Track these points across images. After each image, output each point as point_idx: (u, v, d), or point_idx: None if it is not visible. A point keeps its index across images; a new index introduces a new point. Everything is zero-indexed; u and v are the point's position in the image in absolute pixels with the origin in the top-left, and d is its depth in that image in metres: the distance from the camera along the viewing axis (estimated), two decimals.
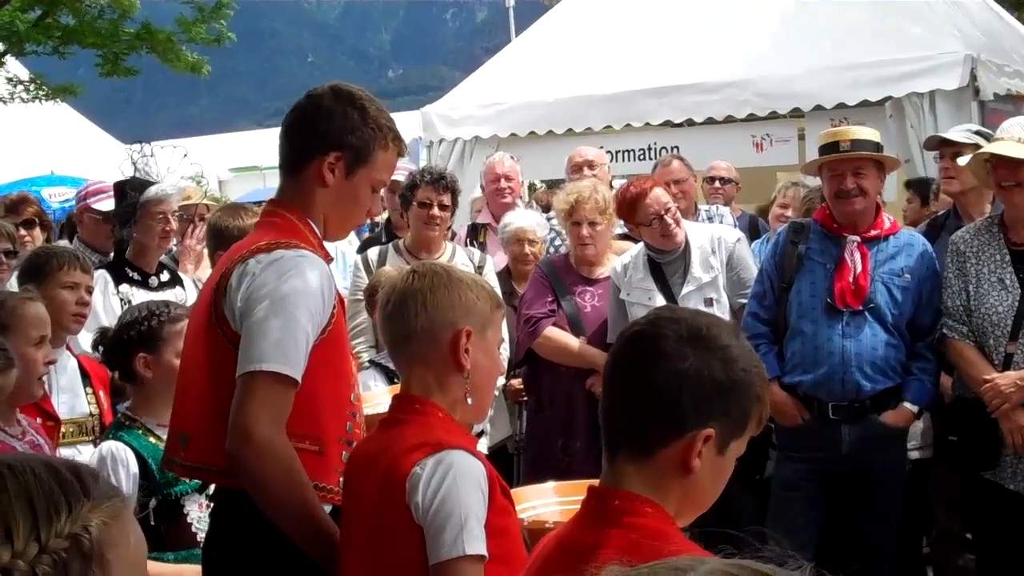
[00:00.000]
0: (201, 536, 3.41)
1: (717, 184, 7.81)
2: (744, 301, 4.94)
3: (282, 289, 2.61)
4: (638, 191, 5.07)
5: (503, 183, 6.82)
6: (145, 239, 5.02)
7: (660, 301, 4.95)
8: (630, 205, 5.08)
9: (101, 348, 3.75)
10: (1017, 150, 4.25)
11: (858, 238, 4.57)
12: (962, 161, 4.75)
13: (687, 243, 5.06)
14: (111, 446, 3.37)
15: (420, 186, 5.39)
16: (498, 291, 4.81)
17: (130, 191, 5.00)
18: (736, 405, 1.82)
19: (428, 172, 5.54)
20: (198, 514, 3.47)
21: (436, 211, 5.36)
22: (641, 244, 5.21)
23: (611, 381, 1.90)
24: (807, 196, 6.05)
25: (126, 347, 3.58)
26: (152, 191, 4.98)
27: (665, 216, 4.99)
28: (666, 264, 5.08)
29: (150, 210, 4.97)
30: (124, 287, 4.91)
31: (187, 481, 3.42)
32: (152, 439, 3.48)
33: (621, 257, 5.28)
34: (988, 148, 4.42)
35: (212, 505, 3.54)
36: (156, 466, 3.29)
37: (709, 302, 4.95)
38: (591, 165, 6.63)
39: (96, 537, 1.16)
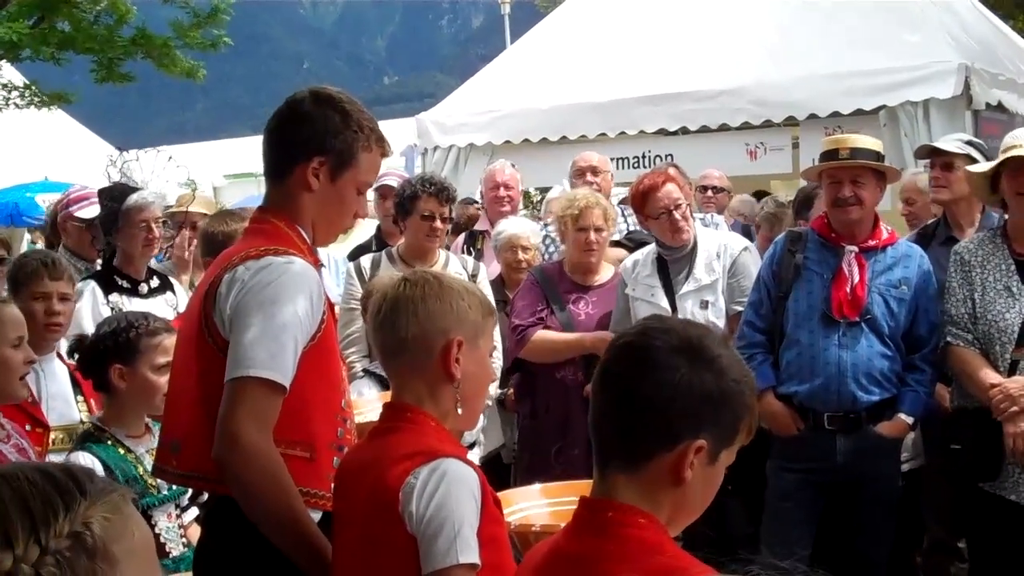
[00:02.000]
0: (170, 547, 3.42)
1: (709, 193, 7.83)
2: (740, 308, 4.95)
3: (271, 296, 2.60)
4: (651, 184, 5.14)
5: (502, 191, 6.82)
6: (129, 247, 4.97)
7: (662, 298, 5.04)
8: (642, 196, 5.15)
9: (76, 355, 3.74)
10: None
11: (856, 248, 4.56)
12: (976, 168, 4.71)
13: (695, 245, 5.11)
14: (79, 457, 3.37)
15: (422, 197, 5.29)
16: (491, 299, 4.84)
17: (108, 200, 4.96)
18: (727, 415, 1.82)
19: (430, 183, 5.40)
20: (167, 524, 3.47)
21: (438, 224, 5.31)
22: (653, 244, 5.27)
23: (601, 392, 1.89)
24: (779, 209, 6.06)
25: (102, 356, 3.57)
26: (133, 199, 4.93)
27: (674, 212, 5.04)
28: (673, 263, 5.13)
29: (132, 218, 4.92)
30: (114, 296, 4.87)
31: (155, 492, 3.42)
32: (121, 450, 3.48)
33: (634, 254, 5.35)
34: (1013, 152, 4.35)
35: (181, 516, 3.55)
36: (123, 478, 3.30)
37: (704, 304, 5.02)
38: (595, 171, 6.60)
39: (98, 533, 1.17)
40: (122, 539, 1.20)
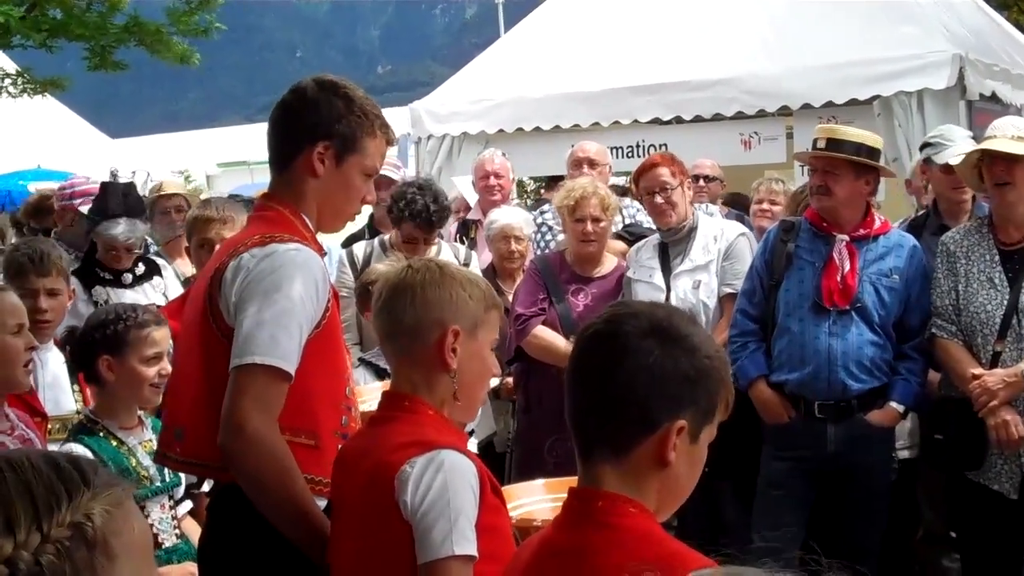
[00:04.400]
0: (163, 538, 3.43)
1: (701, 182, 7.81)
2: (729, 290, 5.04)
3: (275, 283, 2.61)
4: (649, 163, 5.36)
5: (492, 180, 6.82)
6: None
7: (659, 278, 5.14)
8: (640, 173, 5.35)
9: (68, 348, 3.74)
10: (1012, 147, 4.25)
11: (847, 237, 4.58)
12: (954, 161, 4.72)
13: (695, 228, 5.21)
14: (71, 449, 3.36)
15: (405, 221, 5.30)
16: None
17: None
18: (704, 393, 1.81)
19: (415, 211, 5.28)
20: (160, 515, 3.47)
21: (421, 247, 5.31)
22: (656, 234, 5.38)
23: (576, 384, 1.86)
24: (802, 191, 6.06)
25: (91, 348, 3.58)
26: (120, 228, 5.03)
27: (658, 194, 5.16)
28: (672, 245, 5.23)
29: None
30: (98, 289, 4.90)
31: (148, 484, 3.43)
32: (113, 442, 3.49)
33: (639, 242, 5.44)
34: (984, 145, 4.39)
35: (175, 508, 3.56)
36: (116, 470, 3.30)
37: (696, 284, 5.11)
38: (592, 163, 6.56)
39: (99, 525, 1.17)
40: (122, 533, 1.19)
